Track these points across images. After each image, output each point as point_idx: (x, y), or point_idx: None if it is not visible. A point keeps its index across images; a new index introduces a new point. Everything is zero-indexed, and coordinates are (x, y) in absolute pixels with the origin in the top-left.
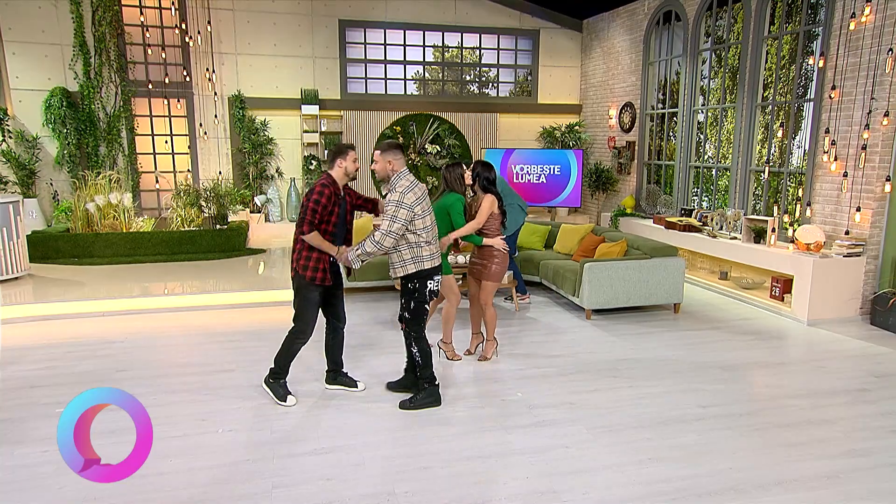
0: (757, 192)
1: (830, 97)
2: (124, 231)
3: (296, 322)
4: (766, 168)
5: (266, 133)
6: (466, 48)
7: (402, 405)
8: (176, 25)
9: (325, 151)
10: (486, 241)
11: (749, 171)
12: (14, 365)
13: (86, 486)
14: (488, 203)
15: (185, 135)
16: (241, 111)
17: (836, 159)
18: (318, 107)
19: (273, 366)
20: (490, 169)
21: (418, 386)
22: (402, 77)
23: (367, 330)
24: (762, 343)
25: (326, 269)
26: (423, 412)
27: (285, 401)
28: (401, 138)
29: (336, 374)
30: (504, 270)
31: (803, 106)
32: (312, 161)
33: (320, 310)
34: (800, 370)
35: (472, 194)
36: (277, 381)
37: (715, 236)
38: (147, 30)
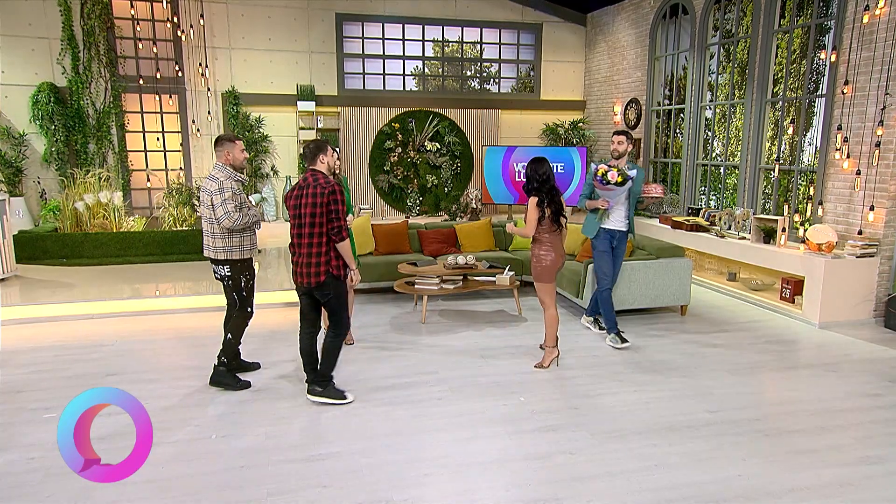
0: (766, 191)
1: (843, 92)
2: (114, 231)
3: (338, 324)
4: (776, 166)
5: (261, 130)
6: (467, 43)
7: None
8: (168, 19)
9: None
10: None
11: (758, 169)
12: (0, 368)
13: (75, 494)
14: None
15: (178, 132)
16: (235, 107)
17: (848, 157)
18: (314, 103)
19: (320, 376)
20: (540, 165)
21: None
22: (401, 73)
23: (380, 333)
24: (772, 346)
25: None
26: (423, 418)
27: (346, 398)
28: (399, 135)
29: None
30: (550, 269)
31: (814, 102)
32: None
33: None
34: (811, 374)
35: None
36: (329, 384)
37: (723, 236)
38: (138, 23)
